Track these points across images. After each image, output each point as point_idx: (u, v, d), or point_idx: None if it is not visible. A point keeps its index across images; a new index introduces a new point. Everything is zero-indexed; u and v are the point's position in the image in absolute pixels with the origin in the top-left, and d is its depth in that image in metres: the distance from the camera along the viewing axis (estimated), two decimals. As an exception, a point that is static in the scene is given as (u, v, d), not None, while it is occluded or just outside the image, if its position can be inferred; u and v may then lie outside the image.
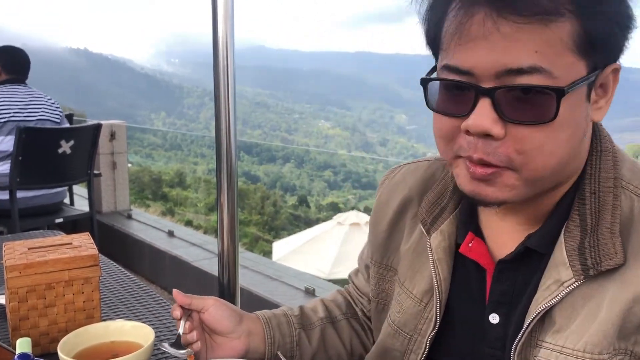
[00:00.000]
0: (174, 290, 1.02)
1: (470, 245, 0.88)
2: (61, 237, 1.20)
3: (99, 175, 4.54)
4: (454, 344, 0.91)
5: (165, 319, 1.28)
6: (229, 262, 1.72)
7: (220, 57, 1.60)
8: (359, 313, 1.16)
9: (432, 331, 0.91)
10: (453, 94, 0.75)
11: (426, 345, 0.91)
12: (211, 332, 1.04)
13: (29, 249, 1.13)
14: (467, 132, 0.74)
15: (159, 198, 16.73)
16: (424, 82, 0.79)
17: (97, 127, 3.82)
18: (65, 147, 3.61)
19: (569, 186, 0.82)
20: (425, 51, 0.83)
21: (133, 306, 1.36)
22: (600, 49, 0.72)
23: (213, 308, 1.03)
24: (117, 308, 1.34)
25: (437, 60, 0.80)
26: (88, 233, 1.25)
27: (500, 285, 0.85)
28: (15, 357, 0.86)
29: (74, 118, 4.78)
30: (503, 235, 0.87)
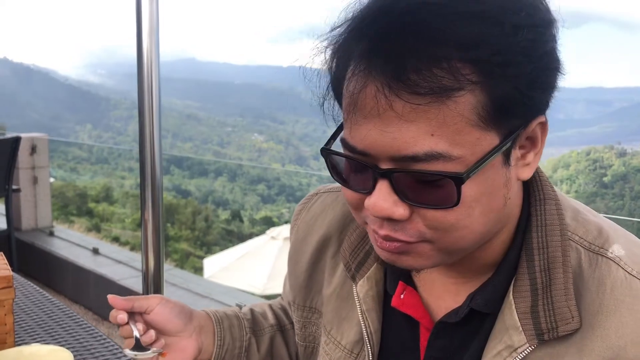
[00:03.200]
0: (110, 296, 0.91)
1: (402, 297, 0.81)
2: (-29, 258, 1.13)
3: (18, 190, 4.32)
4: None
5: (87, 342, 1.23)
6: (153, 280, 1.67)
7: (145, 69, 1.57)
8: None
9: None
10: (354, 169, 0.69)
11: None
12: (159, 333, 0.94)
13: None
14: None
15: (84, 214, 16.10)
16: (325, 154, 0.72)
17: (16, 140, 3.64)
18: (-20, 161, 3.42)
19: (507, 240, 0.76)
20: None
21: (52, 329, 1.29)
22: (515, 114, 0.64)
23: (160, 307, 0.94)
24: (35, 332, 1.27)
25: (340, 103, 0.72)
26: (1, 253, 1.19)
27: (439, 342, 0.79)
28: None
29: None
30: (438, 286, 0.81)
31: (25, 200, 4.95)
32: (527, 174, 0.70)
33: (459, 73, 0.60)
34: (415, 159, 0.62)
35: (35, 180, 5.01)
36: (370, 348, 0.83)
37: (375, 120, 0.63)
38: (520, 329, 0.72)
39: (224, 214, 27.42)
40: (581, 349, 0.70)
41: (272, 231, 9.88)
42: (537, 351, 0.72)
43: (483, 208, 0.66)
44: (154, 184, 1.63)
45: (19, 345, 1.11)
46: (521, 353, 0.71)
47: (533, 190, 0.77)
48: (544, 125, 0.69)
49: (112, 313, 0.91)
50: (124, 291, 3.79)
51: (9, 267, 1.10)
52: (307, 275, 0.95)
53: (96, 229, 12.91)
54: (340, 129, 0.73)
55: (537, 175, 0.77)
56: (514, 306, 0.73)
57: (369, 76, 0.63)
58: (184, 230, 18.70)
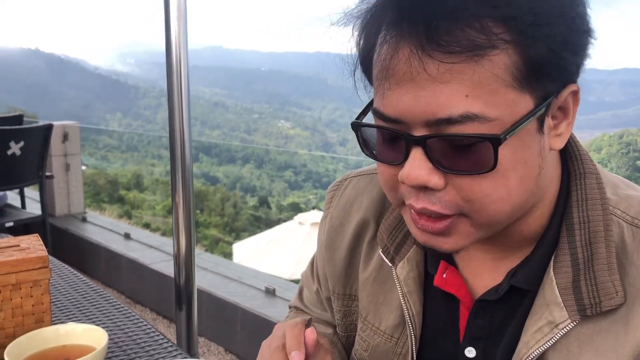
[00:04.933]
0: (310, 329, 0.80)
1: (444, 276, 0.80)
2: (8, 240, 1.16)
3: (51, 177, 4.42)
4: None
5: (120, 322, 1.25)
6: (185, 263, 1.69)
7: (174, 57, 1.58)
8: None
9: None
10: (386, 140, 0.68)
11: None
12: None
13: (-27, 252, 1.08)
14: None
15: (115, 201, 16.38)
16: (355, 127, 0.71)
17: (49, 128, 3.71)
18: (15, 148, 3.49)
19: (547, 212, 0.75)
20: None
21: (86, 309, 1.32)
22: (548, 77, 0.63)
23: None
24: (70, 312, 1.30)
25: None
26: (37, 234, 1.21)
27: (479, 321, 0.78)
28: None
29: (25, 119, 4.64)
30: (478, 265, 0.80)
31: (58, 187, 5.06)
32: (559, 144, 0.69)
33: (491, 32, 0.59)
34: (450, 121, 0.61)
35: (67, 167, 5.11)
36: (413, 330, 0.82)
37: (409, 85, 0.62)
38: (562, 304, 0.71)
39: (252, 201, 27.61)
40: (627, 323, 0.69)
41: (300, 217, 9.93)
42: (580, 327, 0.71)
43: (518, 177, 0.65)
44: (184, 167, 1.64)
45: (55, 324, 1.13)
46: (563, 329, 0.70)
47: (573, 165, 0.76)
48: (575, 95, 0.68)
49: (293, 354, 0.75)
50: (155, 275, 3.86)
51: (44, 247, 1.12)
52: (346, 262, 0.93)
53: (127, 215, 13.13)
54: (370, 104, 0.72)
55: (577, 150, 0.76)
56: (554, 282, 0.72)
57: (401, 40, 0.62)
58: (213, 216, 18.91)
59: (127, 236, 4.54)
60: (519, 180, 0.65)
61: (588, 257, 0.71)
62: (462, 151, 0.63)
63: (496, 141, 0.61)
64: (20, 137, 3.52)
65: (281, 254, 8.69)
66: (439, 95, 0.61)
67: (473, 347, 0.79)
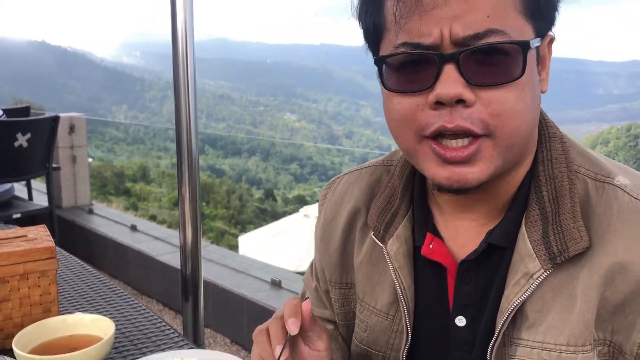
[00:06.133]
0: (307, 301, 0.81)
1: (431, 246, 0.84)
2: (15, 230, 1.17)
3: (58, 169, 4.42)
4: (424, 351, 0.87)
5: (127, 312, 1.26)
6: (191, 254, 1.70)
7: (180, 48, 1.59)
8: None
9: (405, 344, 0.86)
10: (412, 69, 0.73)
11: (403, 359, 0.87)
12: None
13: (-20, 242, 1.09)
14: (436, 105, 0.71)
15: (121, 193, 16.44)
16: (379, 62, 0.76)
17: (55, 119, 3.71)
18: (22, 140, 3.50)
19: (524, 174, 0.81)
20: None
21: (94, 300, 1.33)
22: (542, 14, 0.74)
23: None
24: (77, 302, 1.31)
25: (376, 53, 0.78)
26: (44, 225, 1.22)
27: (465, 287, 0.82)
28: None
29: (32, 111, 4.65)
30: (462, 235, 0.85)
31: (64, 178, 5.07)
32: (544, 86, 0.78)
33: None
34: (477, 37, 0.69)
35: (74, 159, 5.12)
36: (405, 304, 0.86)
37: (435, 11, 0.70)
38: (534, 255, 0.76)
39: (258, 193, 27.65)
40: (592, 267, 0.74)
41: (306, 209, 9.93)
42: (552, 277, 0.76)
43: (531, 95, 0.73)
44: (191, 159, 1.65)
45: (63, 314, 1.14)
46: (537, 279, 0.75)
47: (539, 130, 0.82)
48: (550, 45, 0.79)
49: (290, 321, 0.78)
50: (162, 266, 3.87)
51: (51, 238, 1.12)
52: (340, 251, 0.96)
53: (133, 207, 13.17)
54: (379, 58, 0.76)
55: (543, 118, 0.83)
56: (526, 236, 0.77)
57: None
58: (219, 209, 18.93)
59: (133, 228, 4.55)
60: (532, 98, 0.74)
61: (555, 210, 0.77)
62: (492, 64, 0.70)
63: (526, 45, 0.70)
64: (27, 129, 3.53)
65: (287, 246, 8.70)
66: (464, 16, 0.69)
67: (462, 315, 0.83)
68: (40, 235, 1.14)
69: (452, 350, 0.84)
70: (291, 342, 0.80)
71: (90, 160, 5.91)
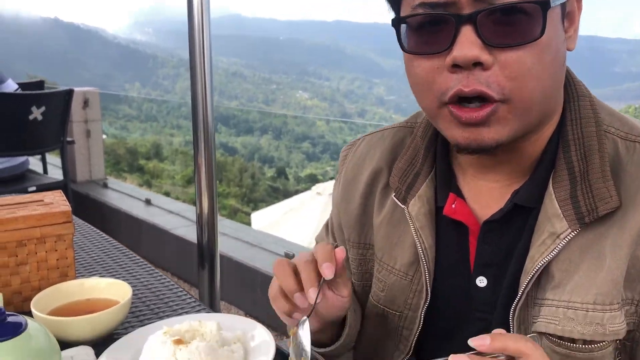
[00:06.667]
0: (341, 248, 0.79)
1: (453, 206, 0.84)
2: (31, 195, 1.16)
3: (73, 142, 4.44)
4: (443, 312, 0.86)
5: (143, 278, 1.26)
6: (207, 226, 1.70)
7: (196, 25, 1.57)
8: None
9: (424, 304, 0.85)
10: (430, 30, 0.72)
11: (420, 319, 0.86)
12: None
13: (-3, 205, 1.09)
14: (453, 68, 0.71)
15: (135, 170, 16.53)
16: (397, 23, 0.75)
17: (69, 93, 3.71)
18: (37, 113, 3.51)
19: (550, 134, 0.80)
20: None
21: (109, 266, 1.33)
22: None
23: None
24: (93, 268, 1.31)
25: (398, 12, 0.78)
26: (60, 190, 1.21)
27: (487, 247, 0.81)
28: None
29: (46, 87, 4.65)
30: (484, 195, 0.84)
31: (79, 153, 5.09)
32: (571, 44, 0.77)
33: None
34: None
35: (88, 134, 5.13)
36: (426, 264, 0.85)
37: None
38: (562, 215, 0.74)
39: (270, 172, 27.68)
40: (622, 225, 0.73)
41: (318, 187, 9.93)
42: (580, 237, 0.74)
43: (551, 57, 0.71)
44: (207, 129, 1.64)
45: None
46: (564, 239, 0.74)
47: (567, 89, 0.80)
48: (580, 1, 0.77)
49: (325, 265, 0.75)
50: (177, 240, 3.89)
51: (67, 203, 1.12)
52: (360, 210, 0.95)
53: (147, 184, 13.26)
54: (395, 21, 0.76)
55: (571, 77, 0.82)
56: (553, 195, 0.76)
57: None
58: (232, 187, 19.00)
59: (147, 202, 4.57)
60: (552, 60, 0.72)
61: (584, 169, 0.76)
62: (510, 24, 0.68)
63: (545, 4, 0.67)
64: (41, 102, 3.53)
65: (299, 223, 8.73)
66: None
67: (484, 276, 0.82)
68: (56, 200, 1.14)
69: (472, 311, 0.83)
70: None
71: (104, 137, 5.93)
